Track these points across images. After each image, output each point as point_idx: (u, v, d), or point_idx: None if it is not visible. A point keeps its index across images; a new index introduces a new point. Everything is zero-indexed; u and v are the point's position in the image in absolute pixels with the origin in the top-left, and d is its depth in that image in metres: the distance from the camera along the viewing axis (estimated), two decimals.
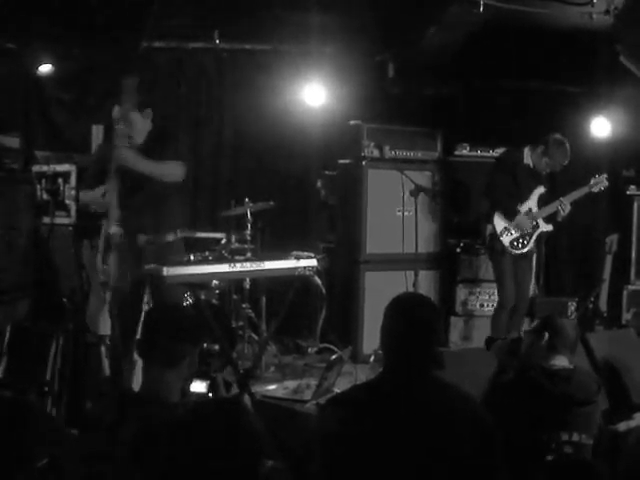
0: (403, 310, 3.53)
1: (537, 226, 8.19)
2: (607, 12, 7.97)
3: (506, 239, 8.10)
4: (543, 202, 8.18)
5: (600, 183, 8.17)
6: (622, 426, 5.06)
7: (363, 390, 3.59)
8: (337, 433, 3.37)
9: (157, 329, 3.82)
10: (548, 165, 8.07)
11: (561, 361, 4.73)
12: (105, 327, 5.81)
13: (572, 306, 9.04)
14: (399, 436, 3.28)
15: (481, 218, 8.46)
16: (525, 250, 8.15)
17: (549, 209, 8.13)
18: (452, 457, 3.25)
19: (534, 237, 8.19)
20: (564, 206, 8.04)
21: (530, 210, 8.15)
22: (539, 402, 4.57)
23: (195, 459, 2.56)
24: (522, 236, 8.11)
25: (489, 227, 8.18)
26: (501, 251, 8.12)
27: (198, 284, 6.12)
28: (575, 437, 4.54)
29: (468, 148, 9.36)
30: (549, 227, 8.26)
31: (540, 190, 8.18)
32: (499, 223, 8.12)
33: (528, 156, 8.16)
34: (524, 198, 8.16)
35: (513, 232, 8.09)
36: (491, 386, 4.89)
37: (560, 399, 4.56)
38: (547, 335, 4.77)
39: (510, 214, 8.10)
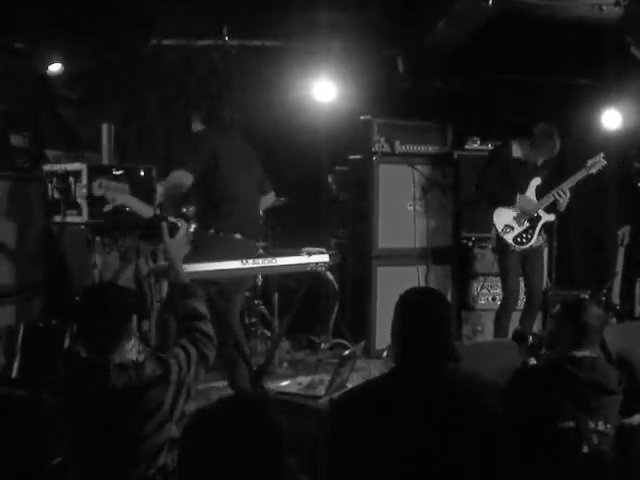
0: (413, 305, 3.51)
1: (539, 218, 8.04)
2: (617, 3, 7.95)
3: (509, 236, 7.97)
4: (541, 193, 8.05)
5: (598, 163, 7.94)
6: (636, 419, 5.04)
7: (376, 385, 3.58)
8: (349, 428, 3.36)
9: (102, 313, 3.89)
10: (539, 155, 7.95)
11: (584, 351, 4.73)
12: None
13: (585, 300, 9.00)
14: (411, 431, 3.27)
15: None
16: (530, 244, 8.01)
17: (547, 199, 7.98)
18: (465, 454, 3.24)
19: (537, 230, 8.03)
20: (562, 194, 7.91)
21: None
22: (566, 389, 4.57)
23: (224, 456, 2.55)
24: (525, 230, 7.99)
25: (493, 229, 8.12)
26: (505, 249, 8.04)
27: (210, 281, 6.11)
28: (601, 426, 4.54)
29: (479, 142, 9.34)
30: (551, 217, 8.13)
31: (536, 182, 8.03)
32: (499, 221, 8.00)
33: (517, 149, 8.06)
34: (521, 191, 8.04)
35: (515, 228, 8.01)
36: (515, 374, 4.90)
37: (588, 386, 4.56)
38: (572, 328, 4.75)
39: (510, 202, 8.00)
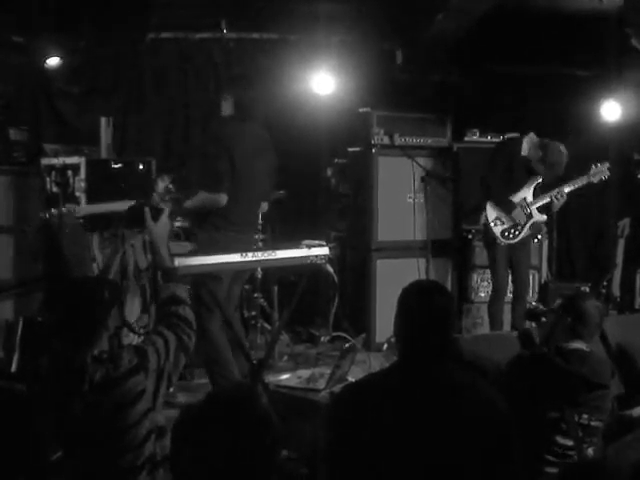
0: (417, 298, 3.49)
1: (531, 216, 8.01)
2: None
3: (497, 229, 7.95)
4: (539, 191, 8.01)
5: (601, 173, 7.94)
6: (636, 411, 5.05)
7: (377, 379, 3.57)
8: (350, 422, 3.35)
9: (76, 310, 3.90)
10: (544, 171, 7.87)
11: (579, 343, 4.74)
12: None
13: (585, 291, 9.00)
14: (413, 426, 3.26)
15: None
16: (516, 240, 7.99)
17: (543, 199, 7.97)
18: (467, 448, 3.23)
19: (526, 227, 8.00)
20: (560, 197, 7.89)
21: (525, 199, 8.01)
22: (552, 380, 4.58)
23: (214, 450, 2.56)
24: (514, 226, 7.99)
25: (483, 216, 8.10)
26: (493, 240, 8.02)
27: (209, 274, 6.10)
28: (584, 419, 4.55)
29: (478, 134, 9.32)
30: (543, 217, 8.08)
31: (537, 180, 7.99)
32: (491, 212, 7.99)
33: (526, 149, 7.99)
34: (519, 187, 8.00)
35: (505, 222, 7.98)
36: (513, 360, 4.91)
37: (572, 379, 4.57)
38: (570, 319, 4.76)
39: (504, 204, 7.99)
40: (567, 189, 7.91)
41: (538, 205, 7.98)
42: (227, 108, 6.77)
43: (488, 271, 8.80)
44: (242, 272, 6.72)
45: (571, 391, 4.58)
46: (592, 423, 4.59)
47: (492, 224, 7.95)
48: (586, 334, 4.76)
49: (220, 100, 6.84)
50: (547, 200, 7.94)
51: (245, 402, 2.68)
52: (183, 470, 2.61)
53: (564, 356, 4.67)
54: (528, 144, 8.00)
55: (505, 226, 7.97)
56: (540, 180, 7.99)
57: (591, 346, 4.84)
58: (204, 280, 6.30)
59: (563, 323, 4.79)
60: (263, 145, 6.90)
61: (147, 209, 4.59)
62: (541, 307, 5.43)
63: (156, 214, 4.56)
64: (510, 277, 8.20)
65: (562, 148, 7.80)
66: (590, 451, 4.58)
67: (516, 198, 7.98)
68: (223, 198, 6.48)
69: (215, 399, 2.76)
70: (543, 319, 5.20)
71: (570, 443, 4.54)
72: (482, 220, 8.11)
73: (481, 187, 8.21)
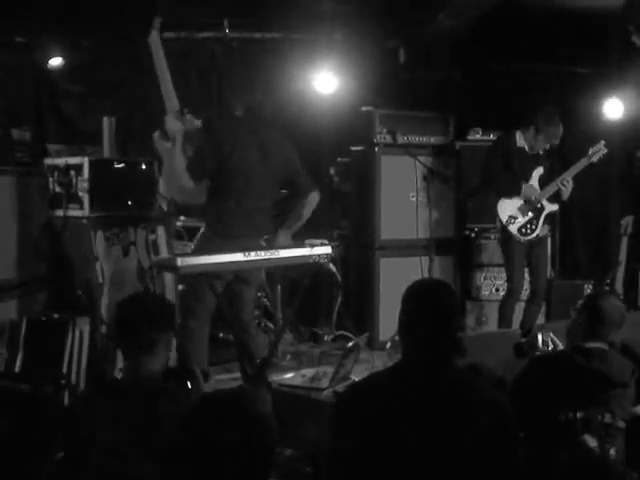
0: (422, 296, 3.49)
1: (542, 208, 8.04)
2: None
3: (513, 227, 7.95)
4: (544, 182, 8.04)
5: (599, 152, 7.99)
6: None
7: (382, 377, 3.57)
8: (354, 421, 3.35)
9: (134, 319, 3.90)
10: (544, 142, 7.91)
11: (598, 344, 4.71)
12: None
13: (588, 289, 9.00)
14: (417, 425, 3.26)
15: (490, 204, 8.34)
16: (534, 235, 7.99)
17: (550, 189, 7.99)
18: (469, 448, 3.23)
19: (541, 220, 8.02)
20: (565, 183, 7.93)
21: (533, 192, 8.04)
22: (573, 379, 4.56)
23: (205, 450, 2.57)
24: (529, 221, 8.00)
25: (497, 221, 8.11)
26: (509, 240, 8.02)
27: (213, 274, 6.10)
28: (607, 418, 4.53)
29: (481, 132, 9.33)
30: (554, 207, 8.12)
31: (539, 171, 8.02)
32: (504, 212, 7.99)
33: (521, 139, 8.02)
34: (523, 182, 8.01)
35: (519, 218, 7.98)
36: (532, 360, 4.91)
37: (594, 377, 4.55)
38: (588, 317, 4.74)
39: (513, 201, 7.99)
40: (570, 174, 7.94)
41: (547, 195, 7.99)
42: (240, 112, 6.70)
43: (491, 269, 8.82)
44: (248, 272, 6.55)
45: (593, 389, 4.55)
46: (615, 423, 4.56)
47: (507, 224, 7.94)
48: (604, 333, 4.73)
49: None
50: (555, 189, 7.95)
51: (237, 404, 2.69)
52: (177, 469, 2.62)
53: (584, 355, 4.65)
54: (520, 134, 8.04)
55: (520, 223, 7.96)
56: (542, 171, 8.00)
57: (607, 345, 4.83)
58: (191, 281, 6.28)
59: (583, 320, 4.76)
60: (272, 150, 6.55)
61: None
62: (529, 343, 5.38)
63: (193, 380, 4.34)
64: (528, 276, 8.20)
65: (551, 111, 7.88)
66: (612, 452, 4.55)
67: (524, 193, 7.98)
68: (190, 187, 6.28)
69: (209, 401, 2.77)
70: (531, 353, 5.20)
71: (594, 443, 4.51)
72: (497, 223, 8.12)
73: (486, 187, 8.21)
